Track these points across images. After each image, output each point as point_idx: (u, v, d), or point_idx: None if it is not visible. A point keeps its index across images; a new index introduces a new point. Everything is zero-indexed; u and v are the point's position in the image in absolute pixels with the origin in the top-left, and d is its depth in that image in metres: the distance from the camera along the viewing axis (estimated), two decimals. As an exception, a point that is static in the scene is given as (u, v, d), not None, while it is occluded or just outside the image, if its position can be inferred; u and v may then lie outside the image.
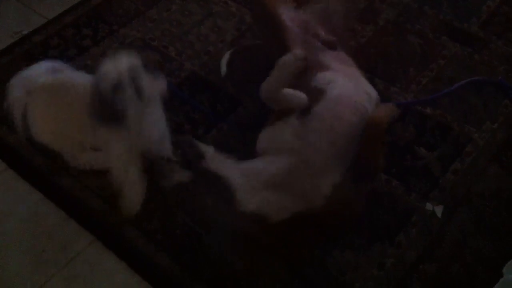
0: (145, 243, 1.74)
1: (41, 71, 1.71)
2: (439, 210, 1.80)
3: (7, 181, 1.88)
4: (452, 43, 2.26)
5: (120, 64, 1.56)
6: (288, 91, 1.70)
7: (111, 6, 2.37)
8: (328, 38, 1.91)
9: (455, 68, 2.18)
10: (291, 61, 1.71)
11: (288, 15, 1.90)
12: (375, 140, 1.63)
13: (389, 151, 1.92)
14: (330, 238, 1.72)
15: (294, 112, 1.69)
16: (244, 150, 1.79)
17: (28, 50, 2.19)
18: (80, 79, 1.71)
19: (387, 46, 2.26)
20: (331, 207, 1.59)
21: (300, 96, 1.69)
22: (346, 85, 1.73)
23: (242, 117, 2.03)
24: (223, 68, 2.10)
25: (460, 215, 1.79)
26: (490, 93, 2.10)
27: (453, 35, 2.29)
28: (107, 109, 1.56)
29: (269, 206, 1.61)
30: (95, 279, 1.68)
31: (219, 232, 1.70)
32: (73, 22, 2.30)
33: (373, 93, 1.78)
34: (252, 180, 1.64)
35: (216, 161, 1.67)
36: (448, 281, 1.66)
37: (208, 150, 1.69)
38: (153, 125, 1.68)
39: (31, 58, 2.12)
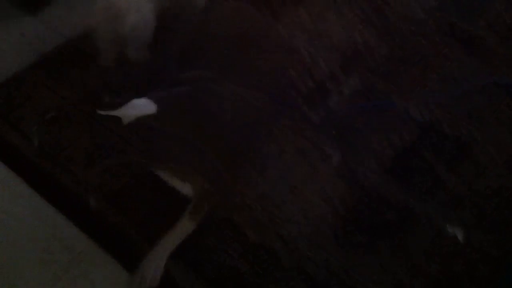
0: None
1: None
2: (459, 233, 1.76)
3: (7, 181, 1.91)
4: (456, 44, 2.27)
5: None
6: None
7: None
8: None
9: (458, 69, 2.18)
10: None
11: None
12: None
13: (394, 152, 1.94)
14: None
15: None
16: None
17: (48, 67, 2.25)
18: None
19: (392, 47, 2.26)
20: None
21: None
22: None
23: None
24: None
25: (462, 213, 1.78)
26: (492, 92, 2.10)
27: (458, 37, 2.30)
28: None
29: None
30: (98, 280, 1.68)
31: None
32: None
33: None
34: None
35: None
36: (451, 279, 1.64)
37: None
38: None
39: (52, 75, 2.18)
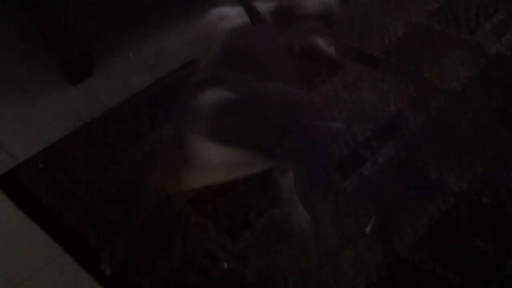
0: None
1: None
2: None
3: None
4: (505, 129, 2.23)
5: None
6: None
7: (168, 96, 2.47)
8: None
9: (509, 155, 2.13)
10: None
11: None
12: None
13: (429, 222, 1.90)
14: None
15: None
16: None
17: (89, 135, 2.32)
18: None
19: (439, 133, 2.24)
20: None
21: None
22: None
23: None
24: None
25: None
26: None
27: (506, 121, 2.26)
28: None
29: None
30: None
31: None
32: (132, 110, 2.42)
33: None
34: None
35: None
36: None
37: None
38: None
39: (92, 143, 2.26)
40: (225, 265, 1.83)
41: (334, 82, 2.43)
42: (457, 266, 1.80)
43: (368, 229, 1.91)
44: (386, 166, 2.10)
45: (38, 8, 2.34)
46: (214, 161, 1.68)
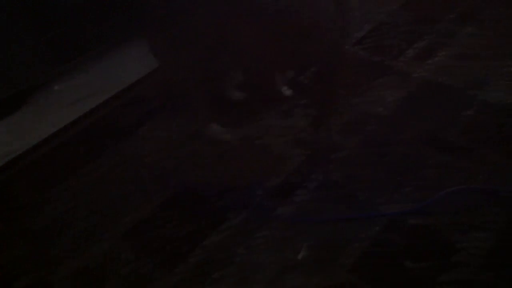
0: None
1: None
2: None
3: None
4: (435, 152, 2.27)
5: None
6: None
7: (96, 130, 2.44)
8: None
9: (440, 176, 2.18)
10: None
11: None
12: None
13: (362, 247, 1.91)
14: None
15: None
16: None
17: (20, 169, 2.24)
18: None
19: (371, 158, 2.28)
20: None
21: None
22: None
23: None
24: None
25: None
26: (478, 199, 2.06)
27: (435, 144, 2.31)
28: None
29: None
30: None
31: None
32: (66, 142, 2.37)
33: None
34: None
35: None
36: None
37: None
38: None
39: (24, 177, 2.21)
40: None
41: (270, 111, 2.47)
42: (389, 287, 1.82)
43: (300, 256, 1.91)
44: (319, 192, 2.12)
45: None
46: None
